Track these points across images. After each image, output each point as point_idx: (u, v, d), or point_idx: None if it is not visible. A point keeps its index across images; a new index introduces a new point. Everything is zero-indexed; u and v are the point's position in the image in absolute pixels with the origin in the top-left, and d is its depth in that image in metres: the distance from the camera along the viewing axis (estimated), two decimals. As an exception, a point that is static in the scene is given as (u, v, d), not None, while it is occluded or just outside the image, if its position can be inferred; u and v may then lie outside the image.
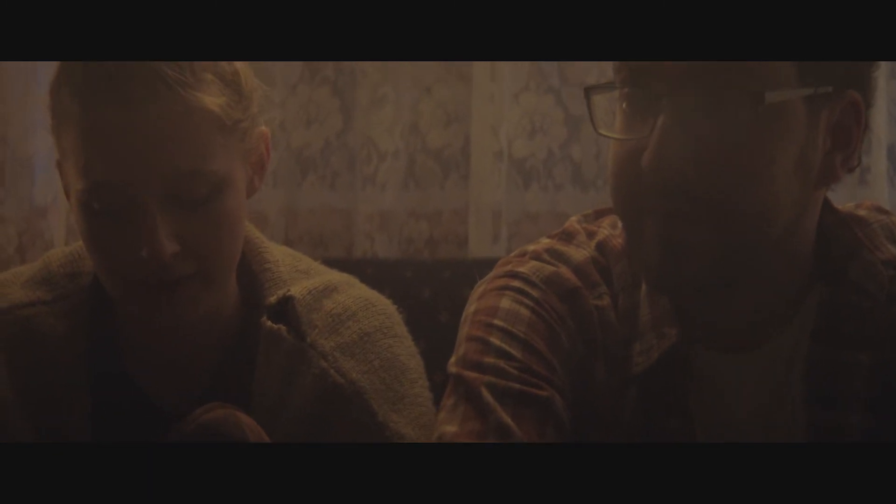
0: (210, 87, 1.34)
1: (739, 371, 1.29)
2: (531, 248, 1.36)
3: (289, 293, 1.43)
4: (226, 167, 1.35)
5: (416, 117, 2.61)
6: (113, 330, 1.46)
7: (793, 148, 1.21)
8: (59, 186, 1.43)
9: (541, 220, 2.60)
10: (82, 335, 1.44)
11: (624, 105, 1.24)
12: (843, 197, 1.37)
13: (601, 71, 2.50)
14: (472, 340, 1.30)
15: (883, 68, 2.16)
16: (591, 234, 1.36)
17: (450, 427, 1.26)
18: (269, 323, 1.42)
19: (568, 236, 1.37)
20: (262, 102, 1.42)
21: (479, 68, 2.56)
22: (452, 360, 1.32)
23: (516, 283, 1.32)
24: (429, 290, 2.22)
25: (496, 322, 1.30)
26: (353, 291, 1.48)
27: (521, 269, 1.33)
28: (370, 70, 2.60)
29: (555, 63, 2.59)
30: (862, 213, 1.35)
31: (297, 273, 1.48)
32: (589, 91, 1.27)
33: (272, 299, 1.43)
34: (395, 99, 2.60)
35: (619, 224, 1.32)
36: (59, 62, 1.36)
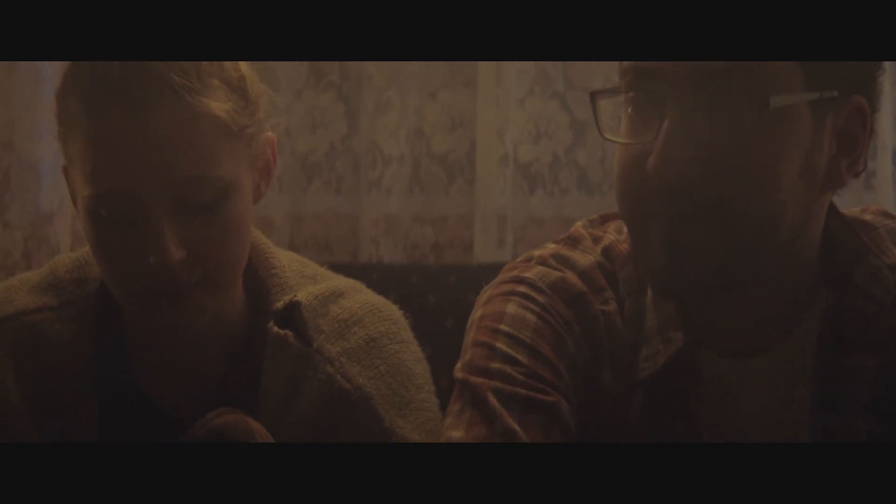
0: (216, 93, 1.34)
1: (745, 376, 1.29)
2: (537, 253, 1.36)
3: (295, 299, 1.43)
4: (232, 173, 1.35)
5: (422, 122, 2.62)
6: (119, 335, 1.46)
7: (798, 152, 1.21)
8: (66, 192, 1.43)
9: (546, 224, 2.60)
10: (89, 341, 1.44)
11: (629, 109, 1.25)
12: (848, 201, 1.37)
13: (606, 76, 2.50)
14: (478, 346, 1.30)
15: (888, 73, 2.16)
16: (596, 240, 1.36)
17: (456, 432, 1.26)
18: (275, 328, 1.42)
19: (574, 241, 1.37)
20: (267, 108, 1.42)
21: (484, 73, 2.57)
22: (458, 365, 1.32)
23: (522, 289, 1.32)
24: (434, 295, 2.22)
25: (502, 327, 1.30)
26: (360, 297, 1.48)
27: (527, 275, 1.33)
28: (375, 75, 2.60)
29: (560, 68, 2.60)
30: (867, 217, 1.35)
31: (303, 279, 1.48)
32: (594, 96, 1.27)
33: (279, 305, 1.43)
34: (400, 104, 2.60)
35: (625, 229, 1.32)
36: (65, 69, 1.37)
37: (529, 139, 2.61)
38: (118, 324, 1.46)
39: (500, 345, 1.28)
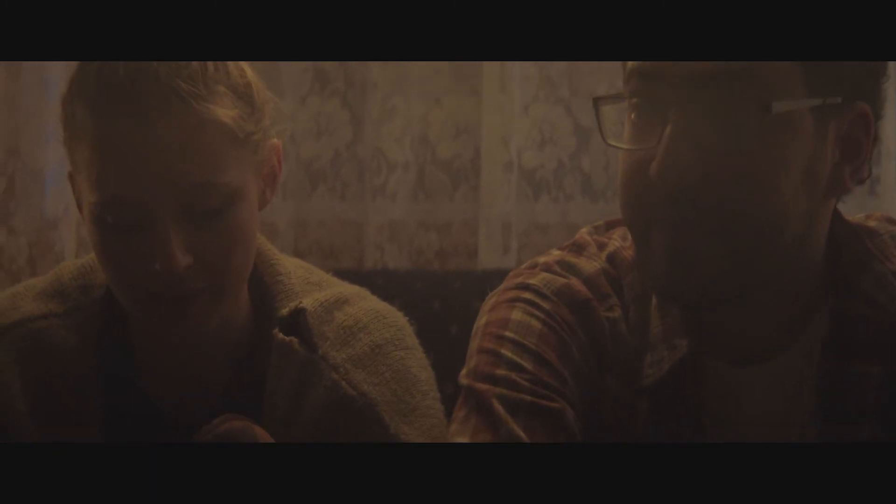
0: (223, 100, 1.34)
1: (750, 382, 1.29)
2: (542, 259, 1.36)
3: (300, 305, 1.43)
4: (238, 179, 1.35)
5: (426, 128, 2.62)
6: (125, 342, 1.46)
7: (800, 158, 1.21)
8: (71, 198, 1.43)
9: (551, 230, 2.61)
10: (94, 347, 1.44)
11: (632, 115, 1.25)
12: (853, 207, 1.37)
13: (610, 82, 2.51)
14: (483, 352, 1.30)
15: (893, 79, 2.16)
16: (601, 246, 1.36)
17: (461, 438, 1.26)
18: (280, 335, 1.42)
19: (579, 248, 1.37)
20: (273, 115, 1.42)
21: (489, 80, 2.57)
22: (464, 371, 1.32)
23: (527, 295, 1.32)
24: (439, 302, 2.22)
25: (507, 334, 1.30)
26: (365, 304, 1.48)
27: (532, 281, 1.33)
28: (380, 82, 2.60)
29: (564, 74, 2.60)
30: (872, 223, 1.35)
31: (308, 285, 1.48)
32: (597, 102, 1.28)
33: (284, 311, 1.43)
34: (404, 110, 2.60)
35: (630, 235, 1.32)
36: (71, 75, 1.37)
37: (534, 145, 2.61)
38: (123, 330, 1.46)
39: (506, 351, 1.28)
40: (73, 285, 1.47)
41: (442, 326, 2.14)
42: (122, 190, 1.32)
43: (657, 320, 1.30)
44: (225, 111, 1.34)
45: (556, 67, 2.60)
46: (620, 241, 1.35)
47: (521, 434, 1.23)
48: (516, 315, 1.31)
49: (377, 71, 2.61)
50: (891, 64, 1.30)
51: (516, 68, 2.56)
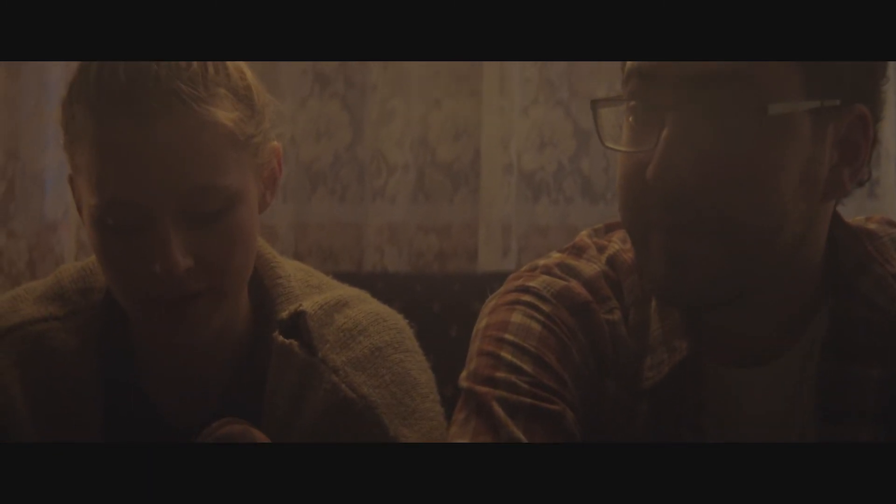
0: (223, 102, 1.34)
1: (750, 384, 1.29)
2: (542, 262, 1.36)
3: (300, 308, 1.43)
4: (239, 182, 1.35)
5: (426, 131, 2.62)
6: (125, 345, 1.46)
7: (798, 161, 1.21)
8: (71, 201, 1.43)
9: (550, 233, 2.61)
10: (94, 350, 1.44)
11: (630, 118, 1.25)
12: (852, 210, 1.37)
13: (610, 84, 2.51)
14: (483, 355, 1.30)
15: (892, 81, 2.16)
16: (601, 249, 1.37)
17: (461, 441, 1.26)
18: (280, 338, 1.42)
19: (578, 251, 1.37)
20: (273, 117, 1.43)
21: (489, 82, 2.57)
22: (463, 374, 1.32)
23: (527, 298, 1.32)
24: (438, 304, 2.22)
25: (507, 337, 1.30)
26: (365, 306, 1.48)
27: (531, 284, 1.33)
28: (380, 84, 2.60)
29: (564, 76, 2.60)
30: (872, 226, 1.35)
31: (308, 288, 1.48)
32: (595, 104, 1.28)
33: (284, 314, 1.43)
34: (404, 112, 2.60)
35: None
36: (71, 78, 1.37)
37: (534, 148, 2.61)
38: (124, 333, 1.46)
39: (505, 354, 1.28)
40: (73, 288, 1.47)
41: (442, 329, 2.14)
42: (122, 192, 1.32)
43: (657, 323, 1.30)
44: (225, 113, 1.34)
45: (556, 70, 2.61)
46: (620, 243, 1.35)
47: (521, 436, 1.23)
48: (516, 318, 1.31)
49: (377, 73, 2.61)
50: (890, 66, 1.30)
51: (516, 70, 2.57)
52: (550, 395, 1.26)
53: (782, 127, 1.19)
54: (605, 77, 2.55)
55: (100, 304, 1.46)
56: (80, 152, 1.35)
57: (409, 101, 2.60)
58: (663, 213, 1.21)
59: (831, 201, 1.27)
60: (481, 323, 1.34)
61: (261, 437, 1.31)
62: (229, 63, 1.37)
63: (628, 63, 1.24)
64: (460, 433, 1.27)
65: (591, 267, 1.35)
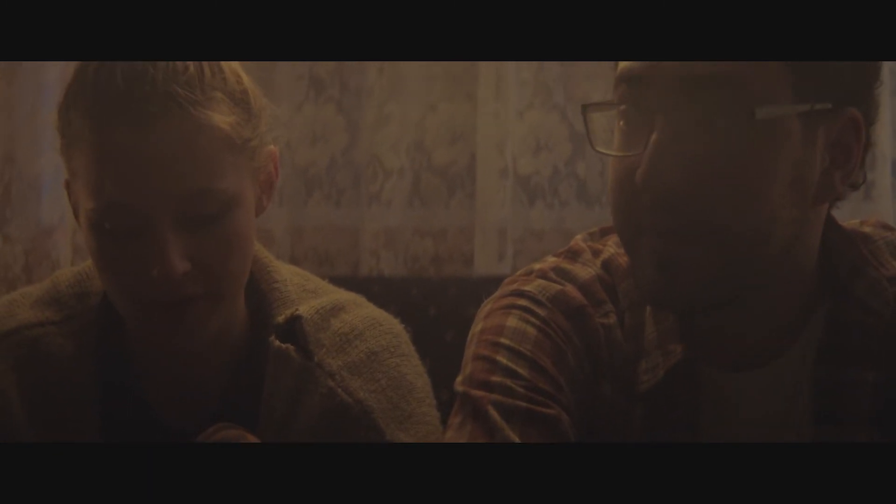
0: (220, 106, 1.35)
1: (745, 388, 1.29)
2: (537, 266, 1.37)
3: (297, 313, 1.43)
4: (235, 186, 1.36)
5: (422, 135, 2.62)
6: (122, 349, 1.46)
7: (787, 164, 1.21)
8: (66, 206, 1.43)
9: (546, 237, 2.60)
10: (91, 355, 1.44)
11: (621, 122, 1.25)
12: (847, 213, 1.37)
13: (606, 88, 2.49)
14: (478, 359, 1.30)
15: (887, 84, 2.16)
16: (596, 253, 1.37)
17: (457, 445, 1.26)
18: (277, 342, 1.42)
19: (574, 255, 1.37)
20: (270, 122, 1.43)
21: (484, 86, 2.57)
22: (459, 378, 1.32)
23: (522, 302, 1.32)
24: (434, 308, 2.22)
25: (503, 341, 1.30)
26: (361, 311, 1.48)
27: (527, 288, 1.33)
28: (375, 88, 2.60)
29: (560, 80, 2.60)
30: (867, 229, 1.35)
31: (305, 292, 1.48)
32: (586, 109, 1.28)
33: (280, 319, 1.43)
34: (400, 117, 2.60)
35: None
36: (67, 83, 1.37)
37: (529, 152, 2.61)
38: (120, 337, 1.46)
39: (501, 358, 1.29)
40: (70, 293, 1.47)
41: (437, 333, 2.14)
42: (119, 196, 1.32)
43: (652, 326, 1.30)
44: (222, 117, 1.34)
45: (552, 73, 2.61)
46: (615, 247, 1.36)
47: (517, 440, 1.24)
48: (511, 322, 1.31)
49: (372, 77, 2.61)
50: (884, 69, 1.30)
51: (511, 74, 2.57)
52: (546, 398, 1.26)
53: (771, 130, 1.19)
54: (601, 81, 2.55)
55: (96, 308, 1.46)
56: (76, 156, 1.35)
57: (405, 105, 2.60)
58: (653, 217, 1.21)
59: (823, 204, 1.27)
60: (477, 327, 1.34)
61: (255, 441, 1.31)
62: (226, 67, 1.37)
63: (619, 68, 1.25)
64: (456, 437, 1.27)
65: (586, 271, 1.35)
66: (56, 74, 2.59)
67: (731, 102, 1.18)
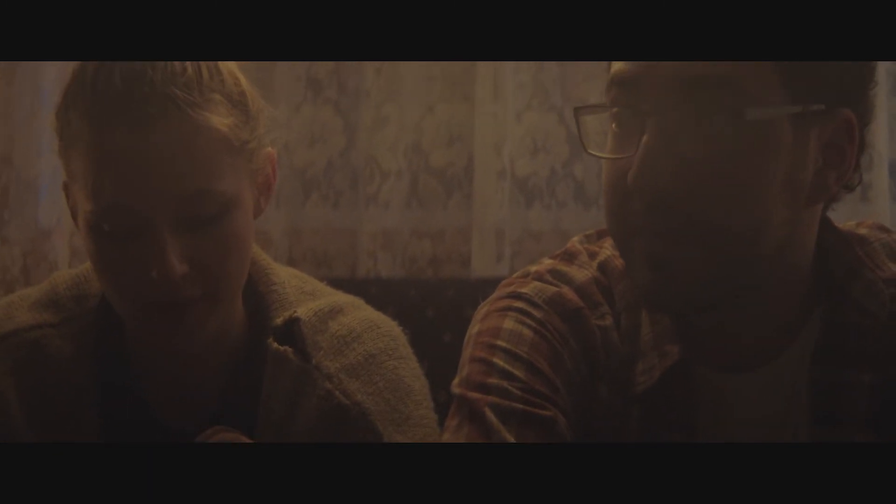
0: (218, 108, 1.35)
1: (742, 389, 1.29)
2: (533, 268, 1.37)
3: (295, 315, 1.43)
4: (234, 188, 1.36)
5: (419, 136, 2.62)
6: (121, 351, 1.46)
7: (779, 166, 1.21)
8: (64, 208, 1.44)
9: (544, 238, 2.61)
10: (90, 357, 1.44)
11: (613, 125, 1.25)
12: (844, 214, 1.38)
13: (604, 90, 2.51)
14: (475, 361, 1.31)
15: (884, 84, 2.17)
16: (592, 255, 1.37)
17: (454, 447, 1.26)
18: (275, 344, 1.42)
19: (570, 256, 1.37)
20: (268, 123, 1.43)
21: (482, 88, 2.57)
22: (456, 380, 1.32)
23: (519, 304, 1.32)
24: (432, 310, 2.22)
25: (499, 343, 1.30)
26: (359, 313, 1.49)
27: (523, 290, 1.33)
28: (373, 89, 2.61)
29: (557, 82, 2.60)
30: (863, 231, 1.35)
31: (303, 294, 1.48)
32: (578, 111, 1.28)
33: (278, 321, 1.43)
34: (397, 118, 2.60)
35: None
36: (65, 85, 1.37)
37: (527, 153, 2.61)
38: (119, 339, 1.46)
39: (498, 360, 1.29)
40: (68, 295, 1.47)
41: (435, 335, 2.14)
42: (118, 198, 1.32)
43: (648, 327, 1.31)
44: (220, 119, 1.34)
45: (549, 75, 2.61)
46: (612, 249, 1.36)
47: (514, 442, 1.24)
48: (508, 324, 1.31)
49: (370, 79, 2.61)
50: (880, 70, 1.30)
51: (509, 76, 2.57)
52: (542, 400, 1.26)
53: (762, 132, 1.19)
54: (599, 82, 2.52)
55: (95, 310, 1.46)
56: (75, 158, 1.35)
57: (403, 106, 2.61)
58: (645, 219, 1.22)
59: (817, 205, 1.27)
60: (473, 329, 1.34)
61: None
62: (224, 69, 1.37)
63: (611, 70, 1.25)
64: (453, 439, 1.27)
65: (582, 273, 1.35)
66: (54, 76, 2.60)
67: (723, 104, 1.19)
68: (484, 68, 2.57)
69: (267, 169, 1.43)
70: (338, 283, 1.57)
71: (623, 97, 1.23)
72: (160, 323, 1.36)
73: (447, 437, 1.28)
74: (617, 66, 1.24)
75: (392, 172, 2.60)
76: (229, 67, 1.39)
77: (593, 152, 1.27)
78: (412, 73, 2.60)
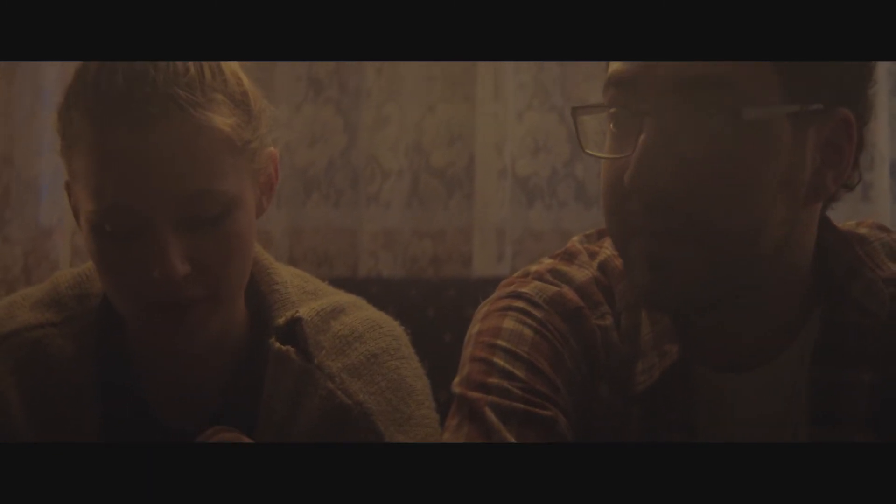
0: (220, 108, 1.35)
1: (742, 389, 1.29)
2: (534, 268, 1.37)
3: (297, 314, 1.43)
4: (236, 187, 1.36)
5: (420, 136, 2.62)
6: (122, 351, 1.46)
7: (776, 165, 1.20)
8: (66, 207, 1.44)
9: (545, 237, 2.61)
10: (91, 356, 1.44)
11: (611, 125, 1.25)
12: (845, 213, 1.37)
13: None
14: (475, 361, 1.31)
15: (886, 84, 2.17)
16: (592, 254, 1.37)
17: (454, 447, 1.27)
18: (277, 344, 1.42)
19: (570, 256, 1.38)
20: (269, 123, 1.43)
21: (483, 87, 2.57)
22: (456, 380, 1.32)
23: (519, 304, 1.32)
24: (433, 309, 2.23)
25: (500, 342, 1.30)
26: (361, 313, 1.49)
27: (523, 290, 1.33)
28: (374, 89, 2.61)
29: (558, 81, 2.61)
30: (863, 230, 1.35)
31: (305, 294, 1.48)
32: (576, 112, 1.28)
33: (280, 321, 1.43)
34: (398, 118, 2.61)
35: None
36: (67, 84, 1.37)
37: (528, 153, 2.61)
38: (120, 339, 1.46)
39: (498, 360, 1.29)
40: (70, 294, 1.47)
41: (436, 334, 2.14)
42: (120, 198, 1.32)
43: (648, 327, 1.31)
44: (222, 119, 1.34)
45: (550, 75, 2.61)
46: (612, 249, 1.36)
47: (514, 442, 1.24)
48: (508, 323, 1.31)
49: (371, 78, 2.61)
50: (881, 70, 1.30)
51: (510, 76, 2.57)
52: (543, 400, 1.26)
53: (760, 131, 1.19)
54: (599, 82, 2.52)
55: (96, 309, 1.46)
56: (77, 158, 1.35)
57: (404, 106, 2.61)
58: (643, 219, 1.22)
59: (816, 205, 1.27)
60: (473, 329, 1.34)
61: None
62: (226, 69, 1.37)
63: (608, 71, 1.25)
64: (453, 439, 1.27)
65: (582, 273, 1.35)
66: (54, 76, 2.60)
67: (720, 104, 1.19)
68: (485, 68, 2.57)
69: (269, 168, 1.44)
70: (338, 283, 1.57)
71: (620, 97, 1.23)
72: (162, 323, 1.36)
73: (447, 437, 1.28)
74: (614, 66, 1.24)
75: (393, 172, 2.61)
76: (232, 67, 1.39)
77: (591, 152, 1.27)
78: (413, 73, 2.61)
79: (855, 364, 1.27)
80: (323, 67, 2.67)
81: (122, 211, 1.32)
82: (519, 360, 1.29)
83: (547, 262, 1.38)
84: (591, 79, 2.57)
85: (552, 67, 2.61)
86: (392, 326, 1.50)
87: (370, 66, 2.61)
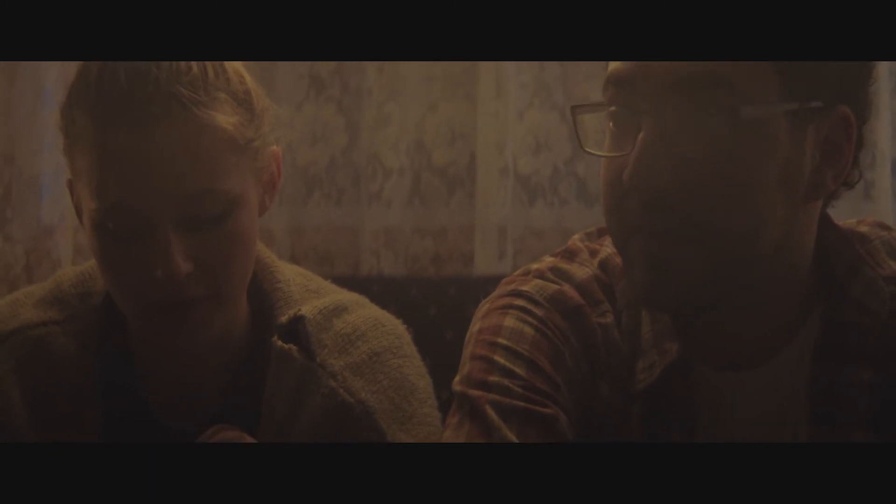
0: (223, 106, 1.35)
1: (742, 387, 1.29)
2: (534, 266, 1.37)
3: (299, 313, 1.43)
4: (239, 186, 1.36)
5: (422, 135, 2.62)
6: (124, 349, 1.46)
7: (775, 163, 1.20)
8: (67, 205, 1.44)
9: (546, 236, 2.61)
10: (93, 355, 1.44)
11: (611, 124, 1.25)
12: (847, 212, 1.37)
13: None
14: (476, 359, 1.31)
15: (888, 82, 2.16)
16: (593, 252, 1.37)
17: (455, 446, 1.27)
18: (279, 342, 1.42)
19: (571, 254, 1.38)
20: (272, 122, 1.43)
21: (484, 86, 2.58)
22: (457, 378, 1.32)
23: (520, 302, 1.32)
24: (435, 308, 2.23)
25: (500, 341, 1.30)
26: (363, 311, 1.49)
27: (524, 288, 1.34)
28: (375, 88, 2.61)
29: (559, 80, 2.61)
30: (863, 229, 1.35)
31: (307, 293, 1.48)
32: (575, 110, 1.28)
33: (283, 319, 1.43)
34: (400, 116, 2.61)
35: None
36: (70, 83, 1.37)
37: (529, 151, 2.61)
38: (123, 337, 1.46)
39: (499, 358, 1.29)
40: (73, 293, 1.47)
41: (438, 332, 2.14)
42: (122, 197, 1.32)
43: (648, 325, 1.31)
44: (225, 118, 1.34)
45: (551, 73, 2.61)
46: (612, 247, 1.36)
47: (514, 440, 1.24)
48: (509, 322, 1.31)
49: (372, 77, 2.61)
50: (882, 69, 1.30)
51: (511, 74, 2.57)
52: (543, 398, 1.27)
53: (758, 129, 1.19)
54: (600, 81, 2.53)
55: (99, 308, 1.46)
56: (79, 157, 1.35)
57: (405, 105, 2.61)
58: (642, 218, 1.22)
59: (815, 203, 1.27)
60: (474, 327, 1.34)
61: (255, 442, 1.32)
62: (229, 67, 1.38)
63: (608, 70, 1.25)
64: (454, 437, 1.27)
65: (583, 271, 1.35)
66: (56, 75, 2.60)
67: (719, 102, 1.18)
68: (486, 67, 2.58)
69: (271, 167, 1.44)
70: (340, 282, 1.58)
71: (619, 96, 1.23)
72: (164, 322, 1.36)
73: (448, 435, 1.28)
74: (613, 65, 1.24)
75: (394, 170, 2.61)
76: (234, 66, 1.39)
77: (590, 150, 1.27)
78: (414, 72, 2.61)
79: (855, 363, 1.27)
80: (324, 66, 2.67)
81: (125, 210, 1.32)
82: (519, 358, 1.29)
83: (548, 261, 1.38)
84: (592, 78, 2.57)
85: (553, 66, 2.61)
86: (394, 325, 1.50)
87: (371, 65, 2.61)
